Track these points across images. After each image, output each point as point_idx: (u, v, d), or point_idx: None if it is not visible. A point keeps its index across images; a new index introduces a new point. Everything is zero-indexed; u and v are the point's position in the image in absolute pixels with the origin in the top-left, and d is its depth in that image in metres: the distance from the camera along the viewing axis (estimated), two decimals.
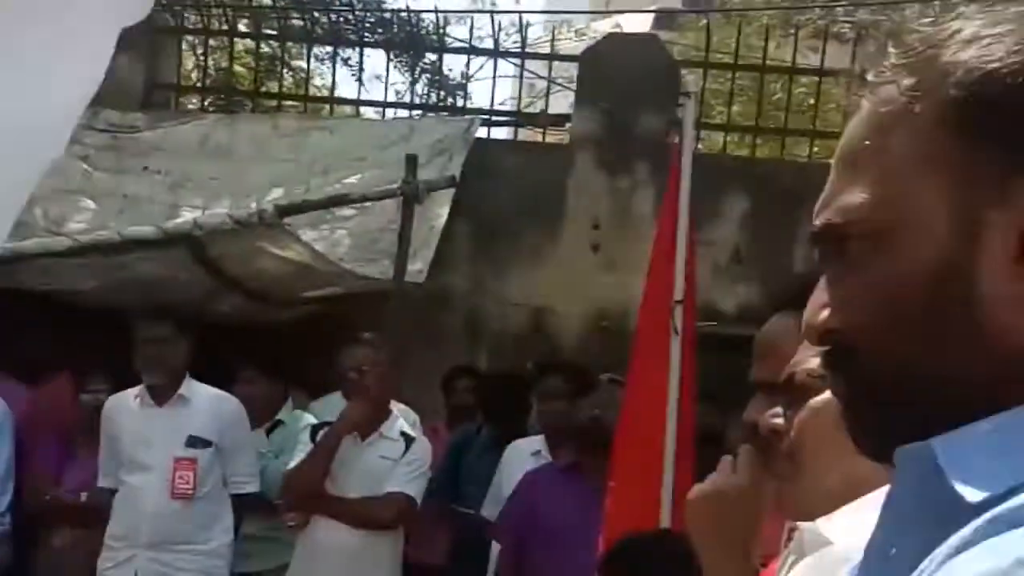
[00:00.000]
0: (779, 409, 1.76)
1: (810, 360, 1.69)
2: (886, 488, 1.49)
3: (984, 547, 0.77)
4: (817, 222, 0.95)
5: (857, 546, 1.39)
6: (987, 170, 0.87)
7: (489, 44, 8.97)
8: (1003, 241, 0.86)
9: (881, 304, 0.91)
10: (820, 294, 0.97)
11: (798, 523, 1.67)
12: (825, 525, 1.56)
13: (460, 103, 9.92)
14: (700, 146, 7.92)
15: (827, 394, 1.63)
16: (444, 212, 6.97)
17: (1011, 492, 0.80)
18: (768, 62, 8.72)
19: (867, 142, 0.92)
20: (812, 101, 9.14)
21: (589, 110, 7.76)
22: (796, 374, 1.71)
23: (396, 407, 5.45)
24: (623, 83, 7.61)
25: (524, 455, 5.36)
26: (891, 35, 0.95)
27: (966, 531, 0.79)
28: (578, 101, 7.95)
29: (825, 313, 0.96)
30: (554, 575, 4.52)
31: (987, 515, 0.79)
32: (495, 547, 5.19)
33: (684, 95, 5.07)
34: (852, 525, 1.50)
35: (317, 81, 11.09)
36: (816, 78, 8.70)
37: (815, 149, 8.66)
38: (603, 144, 7.69)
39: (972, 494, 0.82)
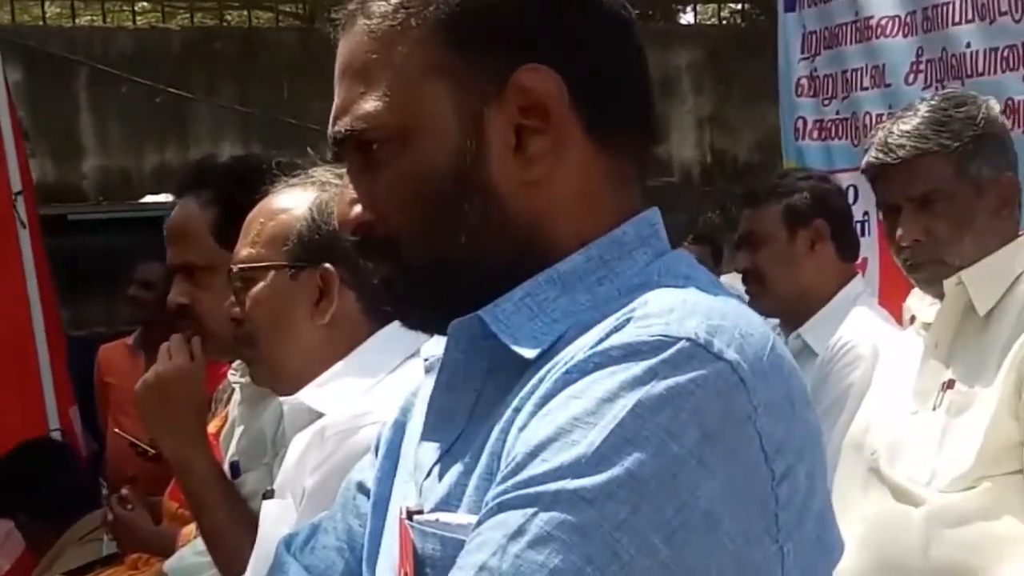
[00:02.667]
0: (232, 299, 1.90)
1: (242, 251, 1.86)
2: (358, 359, 1.71)
3: (567, 394, 0.89)
4: (338, 129, 1.03)
5: (359, 411, 1.60)
6: (480, 74, 0.99)
7: None
8: (503, 135, 0.99)
9: (410, 199, 1.01)
10: (348, 190, 1.06)
11: (281, 399, 1.85)
12: (310, 398, 1.74)
13: None
14: None
15: (265, 283, 1.83)
16: None
17: (553, 345, 0.96)
18: None
19: (374, 56, 1.01)
20: None
21: None
22: (235, 267, 1.87)
23: None
24: None
25: None
26: None
27: (546, 383, 0.92)
28: None
29: (357, 208, 1.05)
30: None
31: (550, 366, 0.93)
32: None
33: None
34: (338, 396, 1.71)
35: None
36: None
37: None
38: None
39: (528, 352, 0.97)
